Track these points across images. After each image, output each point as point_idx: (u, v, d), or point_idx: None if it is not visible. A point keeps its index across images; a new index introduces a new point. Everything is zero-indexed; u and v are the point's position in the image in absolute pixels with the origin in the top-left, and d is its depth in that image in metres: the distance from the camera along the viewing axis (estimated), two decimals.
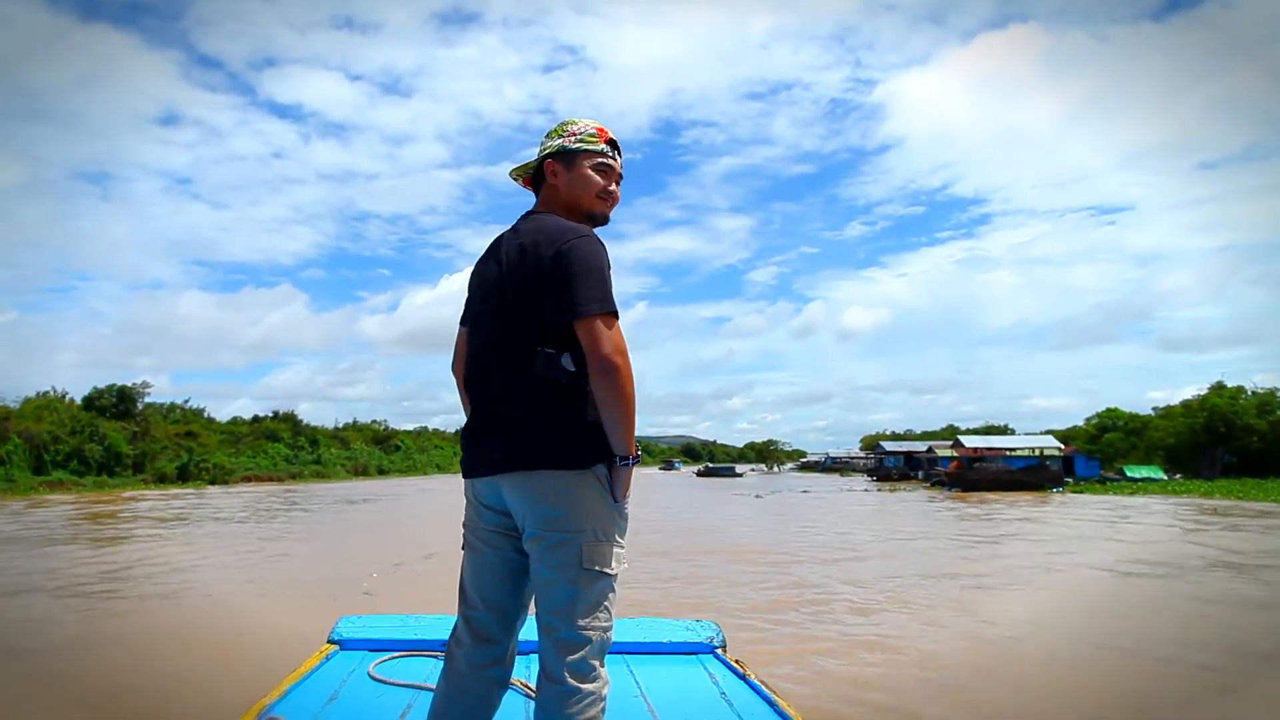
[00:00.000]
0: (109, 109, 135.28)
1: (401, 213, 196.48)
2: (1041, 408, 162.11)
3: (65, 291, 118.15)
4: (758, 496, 36.05)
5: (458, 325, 2.04)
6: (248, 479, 57.80)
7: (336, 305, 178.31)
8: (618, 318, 1.73)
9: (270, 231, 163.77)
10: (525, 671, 2.47)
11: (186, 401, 72.47)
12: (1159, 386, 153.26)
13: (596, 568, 1.73)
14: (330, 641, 2.99)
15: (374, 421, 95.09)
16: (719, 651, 2.96)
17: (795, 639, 7.21)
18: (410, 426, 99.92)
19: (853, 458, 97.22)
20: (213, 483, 51.62)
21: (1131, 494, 37.40)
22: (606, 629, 1.75)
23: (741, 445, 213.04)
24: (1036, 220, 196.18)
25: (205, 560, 13.03)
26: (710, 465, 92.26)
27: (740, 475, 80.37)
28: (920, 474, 50.01)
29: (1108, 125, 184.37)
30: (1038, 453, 43.27)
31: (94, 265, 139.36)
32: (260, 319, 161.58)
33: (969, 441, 44.16)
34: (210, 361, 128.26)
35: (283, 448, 70.57)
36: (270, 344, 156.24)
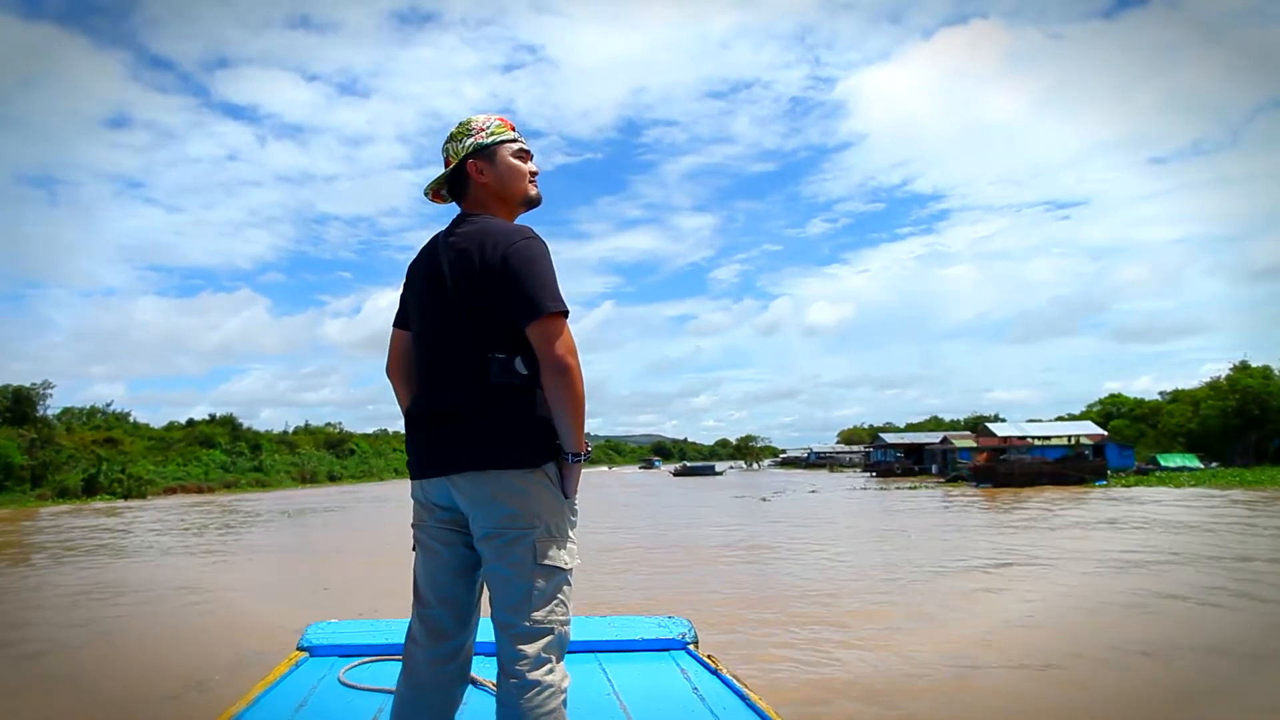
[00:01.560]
0: (55, 111, 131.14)
1: (362, 214, 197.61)
2: (1003, 400, 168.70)
3: (13, 300, 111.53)
4: (764, 500, 30.49)
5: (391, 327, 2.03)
6: (172, 490, 50.79)
7: (298, 309, 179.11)
8: (568, 317, 1.72)
9: (227, 235, 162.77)
10: (491, 673, 2.30)
11: (109, 405, 65.13)
12: (1114, 377, 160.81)
13: (551, 563, 1.71)
14: (299, 648, 2.90)
15: (328, 425, 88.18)
16: (691, 648, 2.91)
17: None
18: (371, 430, 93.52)
19: (838, 452, 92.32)
20: (127, 496, 44.60)
21: (1195, 485, 32.56)
22: (564, 623, 1.74)
23: (712, 442, 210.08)
24: (994, 216, 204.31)
25: None
26: (689, 464, 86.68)
27: (720, 474, 75.27)
28: (934, 468, 44.82)
29: (1062, 122, 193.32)
30: (1072, 441, 38.30)
31: (43, 272, 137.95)
32: (219, 324, 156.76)
33: (1000, 430, 38.90)
34: (168, 368, 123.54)
35: (219, 454, 63.46)
36: (230, 350, 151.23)
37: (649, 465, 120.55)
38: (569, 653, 2.20)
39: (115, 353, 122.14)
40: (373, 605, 7.69)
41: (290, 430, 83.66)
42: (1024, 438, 37.93)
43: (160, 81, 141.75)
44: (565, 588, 1.76)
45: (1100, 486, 34.03)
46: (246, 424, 71.60)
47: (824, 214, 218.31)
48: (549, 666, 1.69)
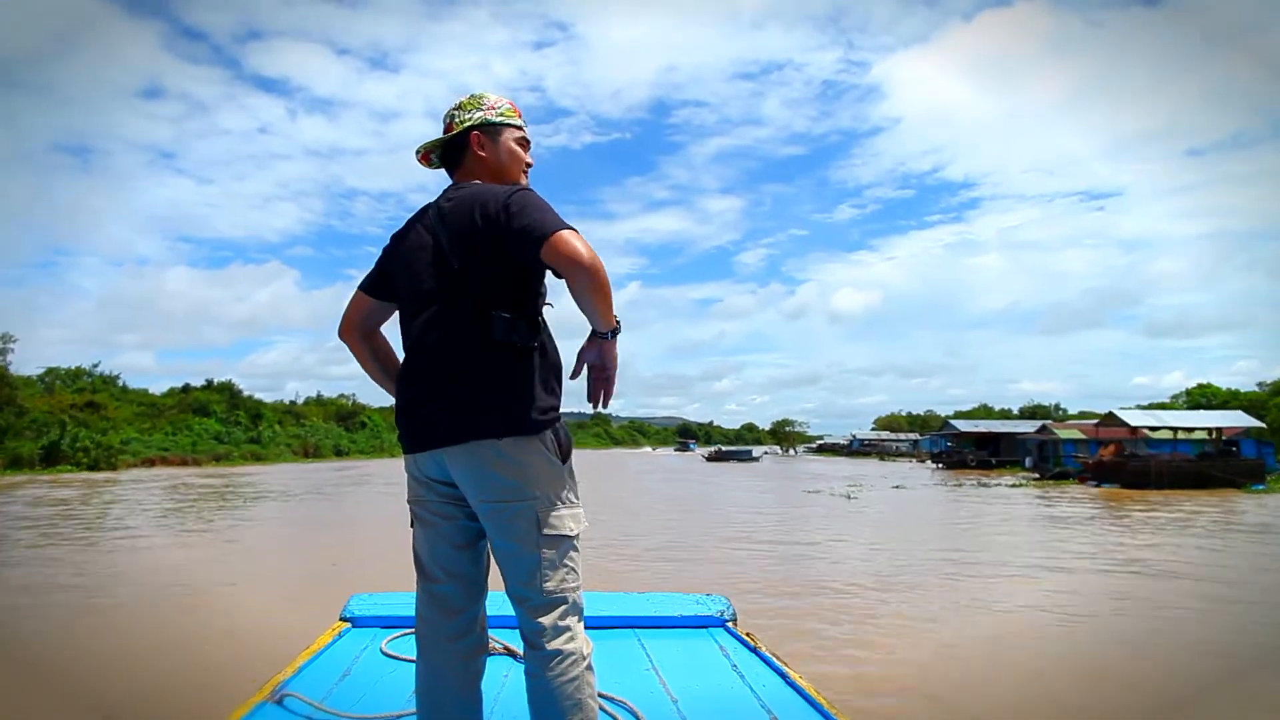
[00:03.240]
0: (90, 80, 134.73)
1: (390, 190, 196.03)
2: (1030, 391, 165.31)
3: (46, 267, 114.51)
4: (850, 498, 24.10)
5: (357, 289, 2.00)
6: (151, 462, 45.26)
7: (327, 283, 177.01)
8: (573, 230, 1.64)
9: (256, 208, 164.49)
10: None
11: (96, 366, 59.74)
12: (1143, 372, 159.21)
13: (556, 532, 1.69)
14: (342, 619, 2.93)
15: (341, 396, 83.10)
16: (730, 625, 2.91)
17: None
18: (390, 403, 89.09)
19: (883, 439, 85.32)
20: (94, 467, 39.10)
21: None
22: (576, 589, 1.72)
23: (738, 426, 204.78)
24: (1025, 205, 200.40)
25: None
26: (724, 448, 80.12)
27: (757, 459, 69.04)
28: (1027, 461, 37.87)
29: (1097, 111, 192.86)
30: (1212, 434, 31.38)
31: (75, 240, 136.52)
32: (248, 296, 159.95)
33: (1132, 419, 31.81)
34: (196, 339, 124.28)
35: (213, 424, 58.11)
36: (258, 322, 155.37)
37: (684, 448, 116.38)
38: (609, 628, 2.67)
39: (144, 322, 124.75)
40: None
41: (300, 400, 78.81)
42: (1157, 428, 31.08)
43: (193, 53, 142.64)
44: (573, 554, 1.73)
45: (1257, 491, 27.23)
46: (248, 392, 66.34)
47: (852, 199, 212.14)
48: (568, 634, 1.67)
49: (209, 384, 64.10)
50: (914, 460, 65.17)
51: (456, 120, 1.88)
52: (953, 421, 52.94)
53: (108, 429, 46.98)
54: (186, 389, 63.15)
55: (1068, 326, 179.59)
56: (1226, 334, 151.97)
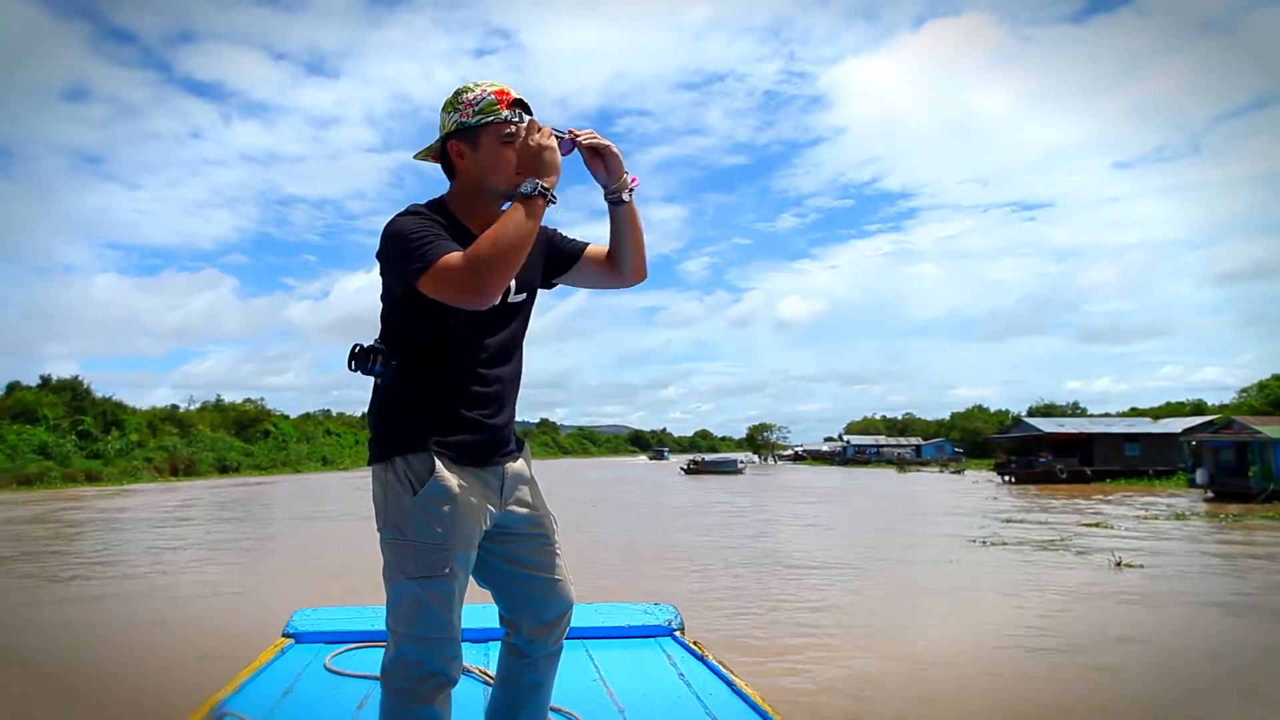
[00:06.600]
0: (10, 82, 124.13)
1: (328, 197, 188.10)
2: (967, 397, 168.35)
3: None
4: (1121, 564, 12.05)
5: None
6: None
7: (265, 292, 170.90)
8: (440, 262, 1.51)
9: (189, 214, 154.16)
10: (485, 659, 2.50)
11: None
12: (1077, 377, 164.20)
13: (389, 568, 1.63)
14: (285, 635, 2.83)
15: (246, 400, 68.86)
16: (677, 634, 2.87)
17: None
18: (312, 410, 78.23)
19: (882, 446, 74.24)
20: None
21: None
22: (407, 636, 1.58)
23: (693, 433, 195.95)
24: (961, 215, 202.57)
25: None
26: (704, 459, 67.85)
27: (741, 471, 57.46)
28: (1199, 475, 26.18)
29: (1031, 124, 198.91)
30: None
31: None
32: (180, 304, 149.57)
33: None
34: (126, 349, 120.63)
35: (40, 433, 43.24)
36: (191, 331, 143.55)
37: (659, 456, 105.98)
38: None
39: (70, 331, 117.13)
40: None
41: (193, 406, 64.14)
42: None
43: (121, 55, 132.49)
44: (412, 598, 1.59)
45: None
46: (103, 393, 51.42)
47: (794, 209, 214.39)
48: (390, 677, 1.59)
49: (44, 382, 49.09)
50: (940, 469, 54.12)
51: (441, 124, 1.73)
52: (1029, 420, 41.46)
53: None
54: (12, 389, 48.04)
55: (1004, 333, 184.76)
56: (1155, 340, 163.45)
